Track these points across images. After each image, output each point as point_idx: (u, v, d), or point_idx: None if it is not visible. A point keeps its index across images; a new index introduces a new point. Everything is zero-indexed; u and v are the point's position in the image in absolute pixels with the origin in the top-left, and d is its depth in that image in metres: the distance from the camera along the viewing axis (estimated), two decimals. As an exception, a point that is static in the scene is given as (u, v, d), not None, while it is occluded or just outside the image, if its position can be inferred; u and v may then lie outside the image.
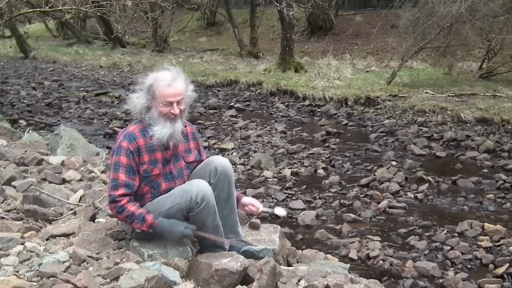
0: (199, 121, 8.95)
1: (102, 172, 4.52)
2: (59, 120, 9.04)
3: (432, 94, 9.46)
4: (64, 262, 2.42)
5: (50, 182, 4.05)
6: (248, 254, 2.63)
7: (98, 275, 2.29)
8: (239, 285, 2.36)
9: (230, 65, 15.23)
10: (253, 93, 11.84)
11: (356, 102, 9.90)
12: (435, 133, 7.84)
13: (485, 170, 6.11)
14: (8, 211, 3.24)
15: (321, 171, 6.16)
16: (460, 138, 7.40)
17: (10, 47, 23.11)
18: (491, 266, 3.74)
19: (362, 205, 5.04)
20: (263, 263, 2.39)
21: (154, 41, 20.86)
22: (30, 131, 6.53)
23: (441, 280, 3.50)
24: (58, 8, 9.92)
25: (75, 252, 2.48)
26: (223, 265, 2.36)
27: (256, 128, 8.46)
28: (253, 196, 5.19)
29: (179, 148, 2.68)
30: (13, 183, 3.80)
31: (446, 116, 8.36)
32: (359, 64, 13.97)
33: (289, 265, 2.99)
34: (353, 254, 3.91)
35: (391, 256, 3.89)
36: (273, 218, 4.76)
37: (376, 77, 11.69)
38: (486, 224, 4.37)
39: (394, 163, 6.31)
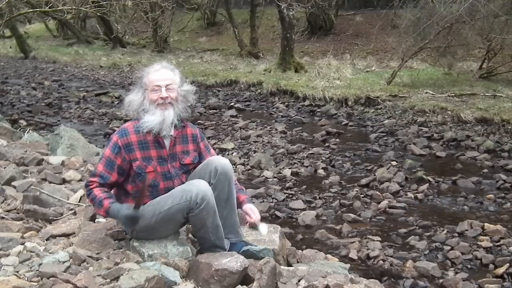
0: (199, 121, 8.95)
1: (102, 172, 4.51)
2: (59, 120, 9.04)
3: (432, 94, 9.47)
4: (64, 262, 2.42)
5: (50, 182, 4.05)
6: (248, 254, 2.63)
7: (98, 275, 2.29)
8: (239, 285, 2.36)
9: (230, 65, 15.24)
10: (253, 93, 11.84)
11: (356, 102, 9.90)
12: (435, 133, 7.84)
13: (485, 170, 6.11)
14: (8, 211, 3.24)
15: (321, 171, 6.16)
16: (460, 138, 7.40)
17: (10, 47, 23.12)
18: (491, 266, 3.73)
19: (362, 205, 5.04)
20: (263, 263, 2.38)
21: (154, 41, 20.86)
22: (30, 131, 6.53)
23: (441, 280, 3.50)
24: (58, 8, 9.93)
25: (75, 252, 2.48)
26: (223, 265, 2.36)
27: (256, 128, 8.46)
28: (253, 196, 5.23)
29: (177, 149, 2.68)
30: (13, 183, 3.80)
31: (446, 116, 8.36)
32: (359, 64, 13.98)
33: (289, 265, 2.99)
34: (353, 254, 3.90)
35: (391, 256, 3.89)
36: (273, 218, 4.77)
37: (376, 77, 11.69)
38: (486, 224, 4.37)
39: (394, 163, 6.31)
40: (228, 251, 2.61)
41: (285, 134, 8.09)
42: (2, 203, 3.41)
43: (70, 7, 10.49)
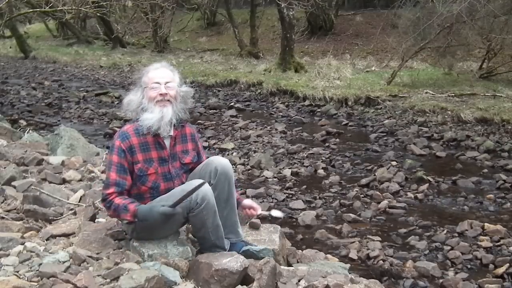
0: (199, 121, 8.95)
1: (102, 172, 4.51)
2: (59, 120, 9.04)
3: (432, 94, 9.47)
4: (64, 262, 2.42)
5: (50, 182, 4.05)
6: (248, 254, 2.63)
7: (98, 275, 2.29)
8: (239, 285, 2.36)
9: (230, 65, 15.24)
10: (253, 93, 11.84)
11: (356, 102, 9.90)
12: (435, 133, 7.85)
13: (485, 170, 6.11)
14: (8, 211, 3.24)
15: (321, 171, 6.16)
16: (460, 138, 7.40)
17: (10, 47, 23.12)
18: (491, 266, 3.73)
19: (362, 205, 5.04)
20: (263, 263, 2.38)
21: (154, 41, 20.86)
22: (30, 131, 6.53)
23: (441, 280, 3.50)
24: (58, 8, 9.93)
25: (75, 252, 2.48)
26: (223, 265, 2.36)
27: (256, 128, 8.46)
28: (253, 196, 5.23)
29: (177, 148, 2.68)
30: (13, 183, 3.80)
31: (446, 116, 8.36)
32: (359, 64, 13.98)
33: (289, 265, 2.99)
34: (353, 254, 3.90)
35: (391, 256, 3.89)
36: (273, 218, 4.76)
37: (376, 77, 11.69)
38: (486, 224, 4.37)
39: (394, 163, 6.31)
40: (228, 251, 2.61)
41: (285, 134, 8.09)
42: (2, 203, 3.41)
43: (70, 7, 10.48)
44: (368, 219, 4.72)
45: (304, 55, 16.17)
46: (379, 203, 5.03)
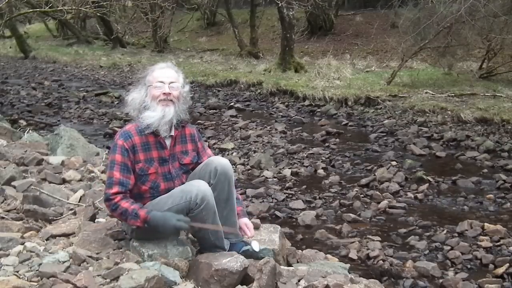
0: (199, 121, 8.95)
1: (102, 172, 4.52)
2: (59, 120, 9.04)
3: (432, 94, 9.47)
4: (64, 262, 2.42)
5: (50, 182, 4.05)
6: (248, 254, 2.63)
7: (98, 275, 2.29)
8: (239, 285, 2.36)
9: (230, 65, 15.24)
10: (253, 93, 11.84)
11: (356, 102, 9.90)
12: (435, 133, 7.85)
13: (485, 170, 6.11)
14: (8, 211, 3.24)
15: (321, 171, 6.16)
16: (460, 138, 7.40)
17: (10, 47, 23.12)
18: (491, 266, 3.73)
19: (362, 205, 5.04)
20: (263, 263, 2.38)
21: (154, 41, 20.87)
22: (30, 131, 6.52)
23: (441, 280, 3.49)
24: (58, 8, 9.93)
25: (75, 252, 2.48)
26: (223, 265, 2.36)
27: (256, 128, 8.46)
28: (253, 196, 5.23)
29: (176, 149, 2.68)
30: (13, 183, 3.80)
31: (446, 116, 8.36)
32: (359, 64, 13.98)
33: (289, 265, 2.99)
34: (353, 254, 3.90)
35: (391, 256, 3.89)
36: (273, 218, 4.77)
37: (376, 77, 11.69)
38: (486, 224, 4.37)
39: (394, 163, 6.31)
40: (228, 251, 2.61)
41: (285, 134, 8.09)
42: (2, 203, 3.41)
43: (70, 7, 10.48)
44: (368, 219, 4.72)
45: (304, 55, 16.17)
46: (379, 203, 5.03)
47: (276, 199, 5.22)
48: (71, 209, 3.40)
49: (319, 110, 9.92)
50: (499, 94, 9.04)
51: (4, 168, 4.14)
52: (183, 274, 2.41)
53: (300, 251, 3.43)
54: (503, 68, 10.81)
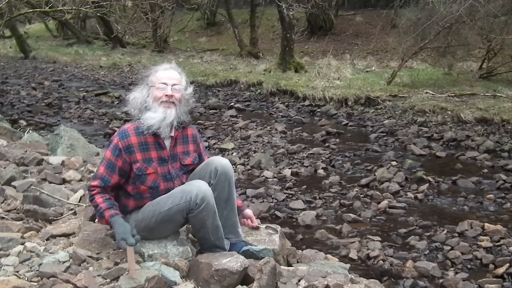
0: (199, 121, 8.95)
1: (102, 172, 4.51)
2: (59, 120, 9.04)
3: (432, 94, 9.47)
4: (64, 262, 2.42)
5: (50, 182, 4.05)
6: (248, 254, 2.63)
7: (98, 275, 2.29)
8: (239, 285, 2.36)
9: (230, 65, 15.24)
10: (253, 93, 11.85)
11: (356, 102, 9.91)
12: (435, 133, 7.85)
13: (485, 170, 6.11)
14: (8, 211, 3.23)
15: (321, 171, 6.16)
16: (460, 138, 7.40)
17: (10, 47, 23.11)
18: (491, 266, 3.74)
19: (362, 205, 5.04)
20: (263, 263, 2.38)
21: (154, 41, 20.87)
22: (30, 131, 6.52)
23: (441, 280, 3.50)
24: (58, 8, 9.93)
25: (75, 252, 2.48)
26: (223, 265, 2.36)
27: (256, 128, 8.46)
28: (253, 196, 5.23)
29: (177, 149, 2.68)
30: (13, 183, 3.80)
31: (446, 116, 8.36)
32: (359, 64, 13.98)
33: (289, 265, 2.99)
34: (353, 254, 3.90)
35: (391, 256, 3.89)
36: (273, 218, 4.77)
37: (376, 77, 11.69)
38: (486, 224, 4.37)
39: (394, 163, 6.31)
40: (228, 251, 2.61)
41: (285, 134, 8.09)
42: (2, 203, 3.40)
43: (70, 7, 10.49)
44: (368, 219, 4.72)
45: (304, 55, 16.18)
46: (379, 203, 5.04)
47: (276, 199, 5.22)
48: (71, 209, 3.40)
49: (319, 110, 9.92)
50: (499, 94, 9.04)
51: (4, 168, 4.14)
52: (183, 274, 2.40)
53: (300, 251, 3.43)
54: (503, 68, 10.81)
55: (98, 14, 14.07)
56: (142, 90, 2.64)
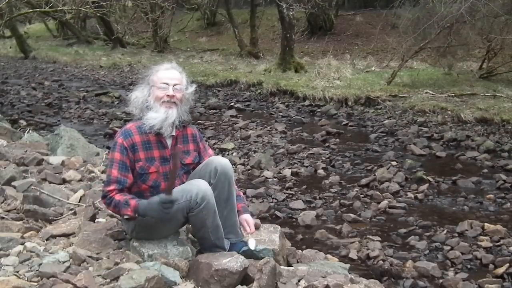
0: (199, 121, 8.95)
1: (102, 172, 4.52)
2: (59, 120, 9.04)
3: (432, 94, 9.47)
4: (64, 262, 2.42)
5: (50, 182, 4.05)
6: (248, 254, 2.63)
7: (98, 275, 2.29)
8: (239, 285, 2.36)
9: (230, 65, 15.24)
10: (253, 93, 11.84)
11: (356, 102, 9.90)
12: (435, 133, 7.85)
13: (485, 170, 6.11)
14: (8, 211, 3.24)
15: (321, 171, 6.16)
16: (460, 138, 7.40)
17: (10, 47, 23.10)
18: (491, 266, 3.74)
19: (362, 205, 5.04)
20: (263, 263, 2.38)
21: (154, 41, 20.86)
22: (30, 131, 6.53)
23: (441, 280, 3.50)
24: (58, 8, 9.93)
25: (75, 252, 2.48)
26: (223, 265, 2.36)
27: (256, 128, 8.46)
28: (253, 196, 5.23)
29: (178, 149, 2.68)
30: (13, 183, 3.80)
31: (446, 116, 8.36)
32: (359, 64, 13.97)
33: (289, 265, 2.99)
34: (353, 254, 3.90)
35: (391, 256, 3.89)
36: (273, 218, 4.77)
37: (376, 77, 11.69)
38: (486, 224, 4.37)
39: (394, 163, 6.31)
40: (228, 251, 2.61)
41: (285, 134, 8.09)
42: (2, 203, 3.41)
43: (70, 7, 10.49)
44: (368, 219, 4.72)
45: (304, 55, 16.17)
46: (379, 203, 5.03)
47: (276, 199, 5.22)
48: (71, 209, 3.40)
49: (319, 110, 9.91)
50: (499, 94, 9.03)
51: (4, 168, 4.14)
52: (183, 274, 2.41)
53: (300, 251, 3.43)
54: (503, 68, 10.80)
55: (98, 14, 14.07)
56: (143, 90, 2.64)
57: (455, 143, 7.36)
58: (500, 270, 3.61)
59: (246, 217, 2.80)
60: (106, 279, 2.26)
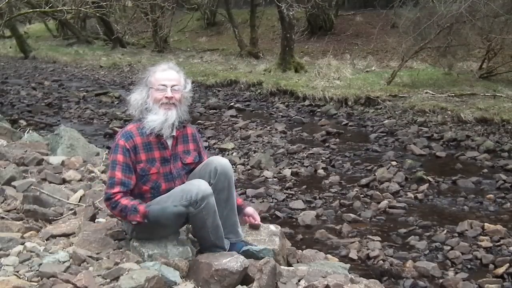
0: (199, 121, 8.95)
1: (102, 172, 4.52)
2: (59, 120, 9.04)
3: (432, 94, 9.47)
4: (64, 262, 2.42)
5: (50, 182, 4.05)
6: (248, 254, 2.63)
7: (98, 275, 2.29)
8: (239, 285, 2.36)
9: (230, 65, 15.24)
10: (253, 93, 11.84)
11: (356, 102, 9.90)
12: (435, 133, 7.85)
13: (485, 170, 6.11)
14: (8, 211, 3.24)
15: (321, 171, 6.16)
16: (460, 138, 7.40)
17: (10, 47, 23.09)
18: (491, 266, 3.74)
19: (362, 205, 5.04)
20: (263, 263, 2.39)
21: (154, 41, 20.84)
22: (30, 131, 6.52)
23: (441, 280, 3.50)
24: (58, 8, 9.93)
25: (75, 252, 2.48)
26: (223, 265, 2.36)
27: (256, 128, 8.46)
28: (253, 196, 5.23)
29: (178, 149, 2.69)
30: (13, 183, 3.80)
31: (446, 116, 8.36)
32: (359, 64, 13.97)
33: (289, 265, 2.99)
34: (353, 254, 3.90)
35: (391, 256, 3.89)
36: (273, 218, 4.77)
37: (376, 77, 11.69)
38: (486, 224, 4.37)
39: (394, 163, 6.31)
40: (228, 251, 2.61)
41: (285, 134, 8.09)
42: (2, 203, 3.41)
43: (70, 7, 10.50)
44: (368, 219, 4.72)
45: (304, 55, 16.16)
46: (379, 203, 5.03)
47: (276, 199, 5.22)
48: (71, 209, 3.40)
49: (319, 110, 9.91)
50: (499, 94, 9.03)
51: (4, 168, 4.14)
52: (183, 274, 2.41)
53: (300, 251, 3.43)
54: (503, 68, 10.80)
55: (98, 14, 14.07)
56: (142, 92, 2.64)
57: (455, 143, 7.35)
58: (500, 270, 3.61)
59: (250, 210, 2.94)
60: (106, 279, 2.26)
